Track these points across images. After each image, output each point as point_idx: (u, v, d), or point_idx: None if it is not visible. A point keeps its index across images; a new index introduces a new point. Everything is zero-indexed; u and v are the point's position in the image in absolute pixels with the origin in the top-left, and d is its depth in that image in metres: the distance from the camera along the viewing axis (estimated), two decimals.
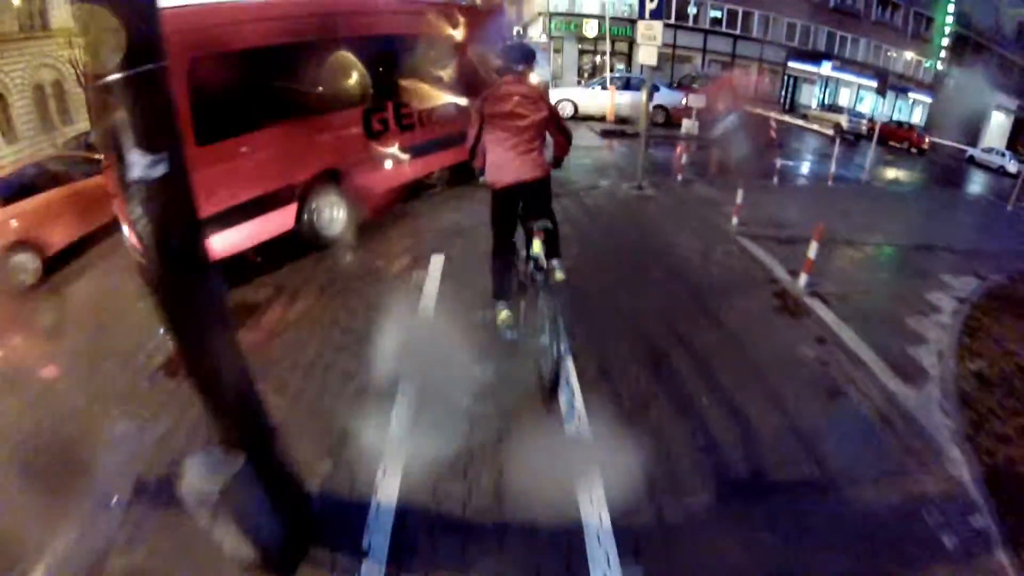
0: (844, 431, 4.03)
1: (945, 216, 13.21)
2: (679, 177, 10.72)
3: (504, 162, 4.09)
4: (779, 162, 12.03)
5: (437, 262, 6.12)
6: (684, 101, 17.56)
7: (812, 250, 6.04)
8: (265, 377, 3.67)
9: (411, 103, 7.67)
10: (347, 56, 6.63)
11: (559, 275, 4.10)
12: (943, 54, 32.06)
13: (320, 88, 6.38)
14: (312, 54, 6.20)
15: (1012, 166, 29.34)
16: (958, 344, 5.41)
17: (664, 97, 18.63)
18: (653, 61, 8.64)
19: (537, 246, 3.88)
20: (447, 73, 8.08)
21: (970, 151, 32.87)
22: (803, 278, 6.19)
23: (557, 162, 4.52)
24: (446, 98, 8.09)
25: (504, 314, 4.39)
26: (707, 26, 32.79)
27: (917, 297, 6.51)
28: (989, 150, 32.87)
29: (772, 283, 6.34)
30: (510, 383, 4.20)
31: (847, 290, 6.31)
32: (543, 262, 3.90)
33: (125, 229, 5.98)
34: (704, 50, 33.42)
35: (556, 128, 4.25)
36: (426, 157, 8.06)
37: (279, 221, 6.18)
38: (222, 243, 5.44)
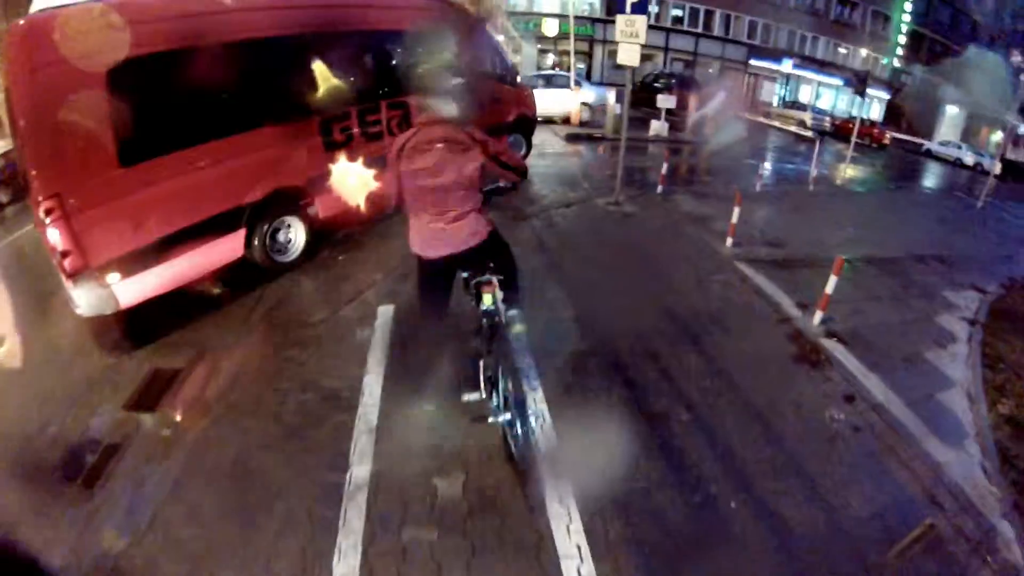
0: (897, 527, 3.38)
1: (925, 219, 12.92)
2: (660, 188, 9.80)
3: (431, 233, 3.22)
4: (760, 167, 11.34)
5: (385, 315, 5.06)
6: (610, 100, 16.30)
7: (830, 285, 5.29)
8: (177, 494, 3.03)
9: (379, 110, 6.82)
10: (303, 57, 5.86)
11: (518, 328, 3.58)
12: (900, 51, 32.35)
13: (270, 95, 5.61)
14: (260, 56, 5.42)
15: (968, 158, 30.23)
16: (983, 381, 5.22)
17: (588, 95, 17.90)
18: (636, 61, 7.68)
19: (489, 299, 3.24)
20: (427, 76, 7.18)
21: (927, 144, 33.48)
22: (818, 315, 5.47)
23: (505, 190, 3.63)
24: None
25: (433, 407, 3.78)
26: (669, 24, 32.36)
27: (928, 323, 6.31)
28: (946, 143, 33.57)
29: (783, 322, 5.53)
30: (478, 492, 3.28)
31: (860, 324, 5.78)
32: (501, 316, 3.28)
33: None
34: (666, 48, 33.02)
35: (500, 168, 3.29)
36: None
37: (225, 249, 5.36)
38: (158, 278, 4.83)
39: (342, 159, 6.11)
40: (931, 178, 23.02)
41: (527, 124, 10.28)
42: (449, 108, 3.08)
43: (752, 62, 36.33)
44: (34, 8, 4.63)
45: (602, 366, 4.51)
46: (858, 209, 12.03)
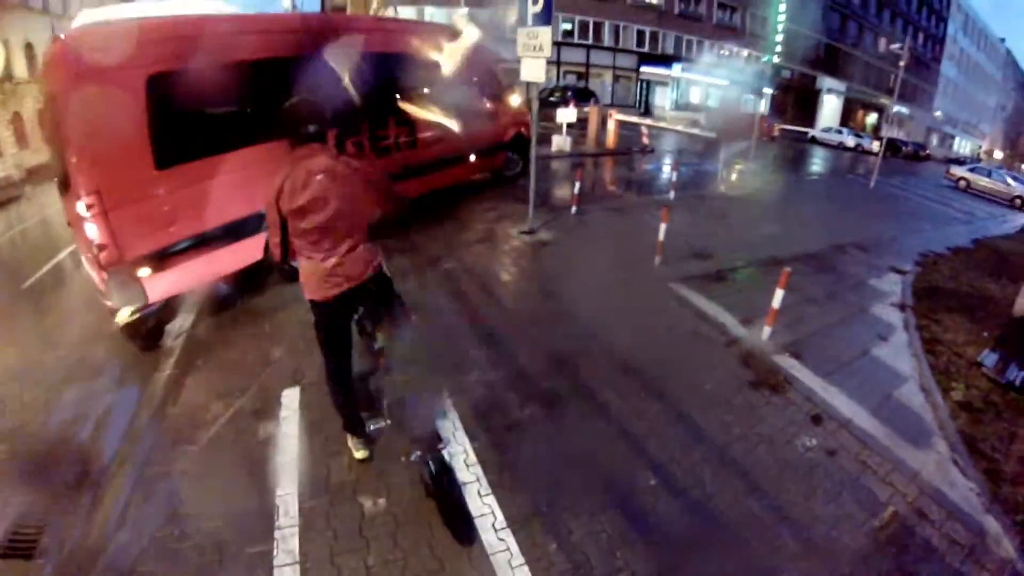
0: (899, 558, 3.22)
1: (831, 206, 13.43)
2: (574, 209, 9.25)
3: (322, 271, 3.05)
4: (674, 175, 11.22)
5: (291, 401, 4.29)
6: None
7: (777, 299, 5.03)
8: None
9: (388, 127, 7.47)
10: (314, 76, 6.06)
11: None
12: (779, 49, 34.33)
13: (271, 113, 5.52)
14: (282, 73, 5.63)
15: (850, 141, 32.66)
16: (931, 369, 5.30)
17: None
18: (541, 76, 7.13)
19: (382, 338, 3.27)
20: (434, 96, 7.80)
21: (811, 132, 35.69)
22: (766, 331, 5.21)
23: (387, 227, 3.40)
24: (432, 122, 7.86)
25: (362, 452, 3.58)
26: (560, 38, 32.79)
27: (864, 316, 6.42)
28: (828, 129, 35.95)
29: (731, 344, 5.19)
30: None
31: (806, 332, 5.69)
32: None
33: (84, 262, 5.64)
34: (559, 62, 33.42)
35: (380, 197, 3.15)
36: (409, 183, 7.75)
37: (247, 251, 5.69)
38: (185, 275, 5.27)
39: None
40: (822, 163, 24.32)
41: (523, 143, 10.88)
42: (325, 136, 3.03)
43: (643, 69, 37.48)
44: (78, 22, 5.18)
45: (543, 431, 3.95)
46: (769, 204, 12.22)
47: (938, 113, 54.80)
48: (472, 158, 9.38)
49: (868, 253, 9.00)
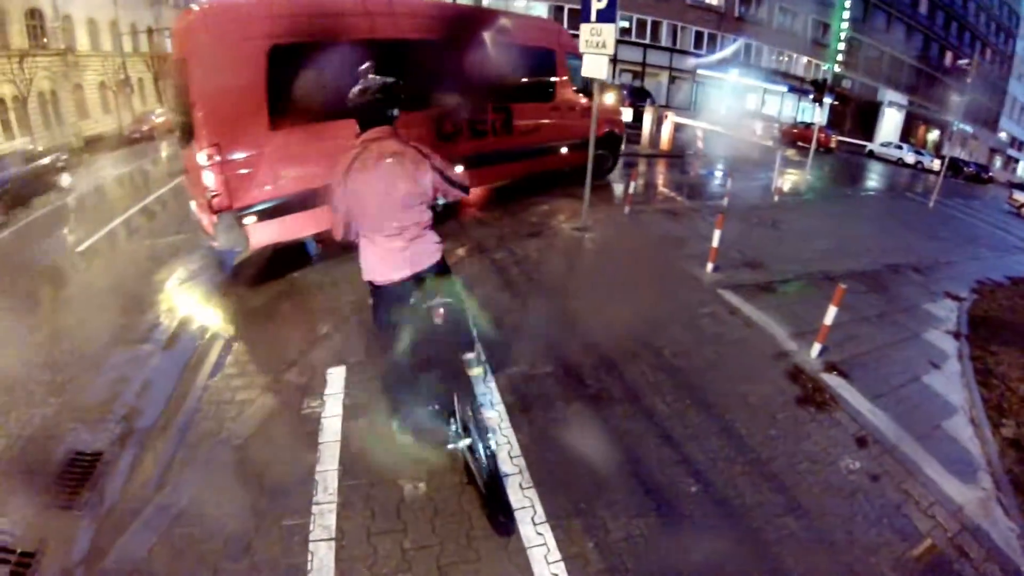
0: None
1: (888, 224, 13.03)
2: (627, 209, 9.30)
3: (386, 255, 3.04)
4: (729, 182, 11.08)
5: (336, 380, 4.39)
6: None
7: (829, 316, 4.95)
8: None
9: (486, 112, 8.02)
10: (428, 58, 6.76)
11: (476, 370, 3.55)
12: (840, 57, 33.32)
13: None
14: (390, 53, 5.99)
15: (910, 157, 31.42)
16: (982, 402, 5.11)
17: None
18: (603, 73, 7.14)
19: (439, 323, 3.12)
20: (532, 88, 8.29)
21: (869, 146, 34.56)
22: (815, 348, 5.12)
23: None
24: (527, 112, 8.42)
25: (407, 437, 3.51)
26: (617, 36, 32.48)
27: (917, 340, 6.22)
28: (887, 144, 34.72)
29: (780, 357, 5.13)
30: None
31: (856, 352, 5.55)
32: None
33: (193, 206, 6.57)
34: (615, 60, 33.11)
35: (446, 183, 3.11)
36: (498, 167, 8.29)
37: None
38: (283, 228, 5.86)
39: (449, 149, 7.29)
40: (879, 179, 23.59)
41: (615, 140, 11.37)
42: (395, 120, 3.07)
43: (700, 71, 36.86)
44: None
45: (587, 429, 3.99)
46: (823, 218, 11.95)
47: (1003, 134, 52.38)
48: (564, 150, 9.77)
49: (924, 276, 8.70)
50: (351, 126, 5.92)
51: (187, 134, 5.83)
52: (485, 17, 8.25)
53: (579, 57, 9.75)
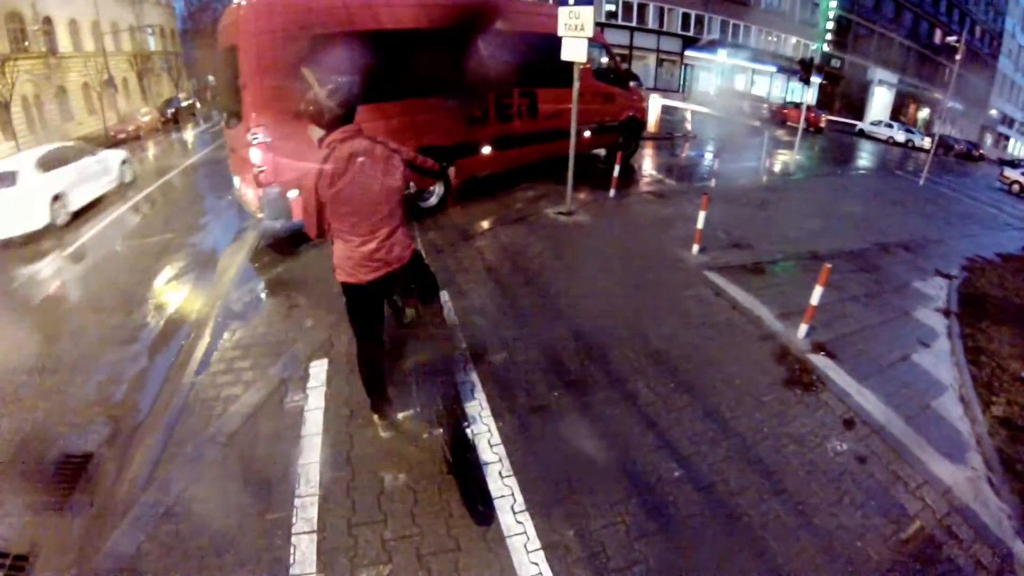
0: (920, 574, 3.08)
1: (878, 203, 12.97)
2: (612, 192, 9.19)
3: (360, 255, 3.01)
4: (716, 163, 10.99)
5: (319, 374, 4.33)
6: None
7: (815, 296, 4.87)
8: None
9: (512, 96, 8.53)
10: (457, 48, 7.20)
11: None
12: (828, 36, 33.12)
13: (427, 75, 6.96)
14: (423, 41, 6.93)
15: (900, 135, 31.34)
16: (972, 380, 5.06)
17: None
18: (583, 56, 7.09)
19: (412, 313, 3.26)
20: (557, 74, 8.33)
21: (859, 125, 34.42)
22: (802, 328, 5.05)
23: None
24: (551, 97, 8.79)
25: (388, 432, 3.57)
26: (603, 19, 32.17)
27: (906, 319, 6.15)
28: (877, 123, 34.59)
29: (767, 339, 5.05)
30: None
31: (844, 332, 5.48)
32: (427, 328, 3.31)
33: (236, 181, 7.29)
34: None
35: (418, 173, 3.24)
36: (524, 149, 8.74)
37: None
38: None
39: (479, 131, 8.14)
40: (869, 158, 23.52)
41: (636, 125, 11.91)
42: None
43: (688, 53, 36.62)
44: None
45: (569, 416, 3.92)
46: (812, 198, 11.88)
47: (993, 111, 52.37)
48: (587, 134, 10.25)
49: (913, 254, 8.66)
50: (386, 108, 6.69)
51: (234, 115, 6.67)
52: (514, 7, 8.61)
53: (601, 44, 10.73)
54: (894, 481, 3.65)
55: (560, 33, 7.16)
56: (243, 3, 5.97)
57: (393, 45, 6.79)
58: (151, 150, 21.71)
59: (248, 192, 6.53)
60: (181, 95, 36.37)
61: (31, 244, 8.84)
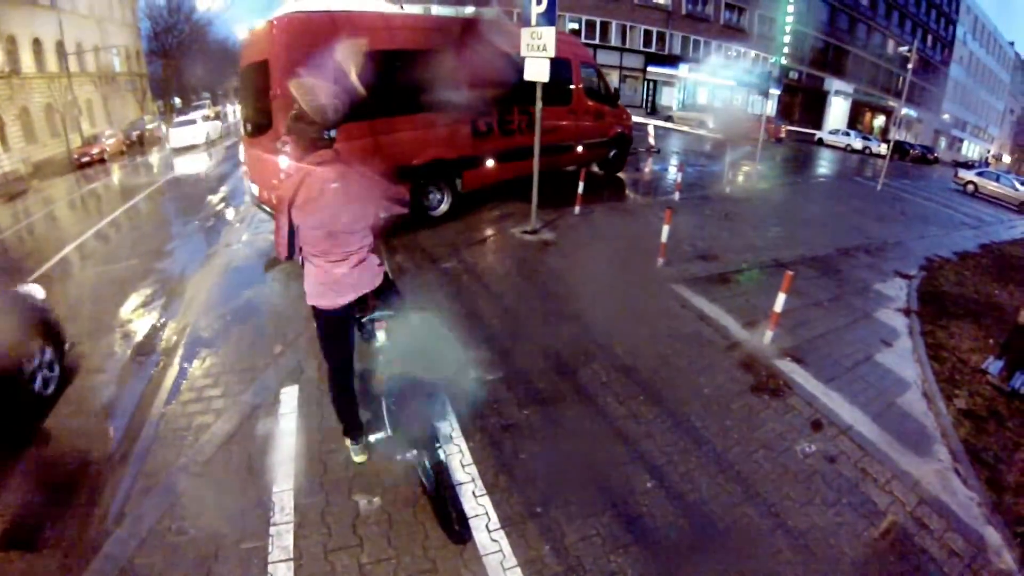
0: (895, 566, 3.17)
1: (836, 209, 13.32)
2: (577, 209, 9.22)
3: (331, 281, 3.00)
4: (680, 176, 11.21)
5: (290, 399, 4.28)
6: None
7: (779, 303, 4.98)
8: None
9: (513, 113, 9.05)
10: (466, 68, 7.58)
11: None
12: (786, 49, 34.10)
13: (431, 91, 7.39)
14: (436, 61, 7.36)
15: (857, 143, 32.35)
16: (934, 376, 5.21)
17: None
18: (545, 76, 7.14)
19: (383, 336, 3.17)
20: (552, 92, 8.78)
21: (818, 134, 35.47)
22: (768, 335, 5.15)
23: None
24: (548, 113, 8.80)
25: (361, 456, 3.56)
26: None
27: (868, 320, 6.31)
28: (835, 131, 35.70)
29: (732, 348, 5.14)
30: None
31: (808, 336, 5.61)
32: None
33: (255, 189, 7.66)
34: None
35: (390, 203, 3.23)
36: (524, 162, 8.74)
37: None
38: None
39: (483, 145, 8.70)
40: (829, 165, 24.17)
41: (624, 141, 12.58)
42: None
43: (650, 68, 37.38)
44: (283, 10, 6.91)
45: (540, 433, 3.92)
46: (775, 207, 12.15)
47: (946, 116, 54.48)
48: (580, 148, 10.94)
49: (874, 257, 8.89)
50: (407, 121, 7.23)
51: (255, 127, 7.22)
52: (514, 31, 8.82)
53: (591, 66, 11.39)
54: (864, 478, 3.74)
55: (523, 53, 7.24)
56: (275, 21, 6.49)
57: (412, 65, 7.36)
58: (116, 174, 21.29)
59: (274, 198, 7.00)
60: (147, 117, 35.88)
61: None
